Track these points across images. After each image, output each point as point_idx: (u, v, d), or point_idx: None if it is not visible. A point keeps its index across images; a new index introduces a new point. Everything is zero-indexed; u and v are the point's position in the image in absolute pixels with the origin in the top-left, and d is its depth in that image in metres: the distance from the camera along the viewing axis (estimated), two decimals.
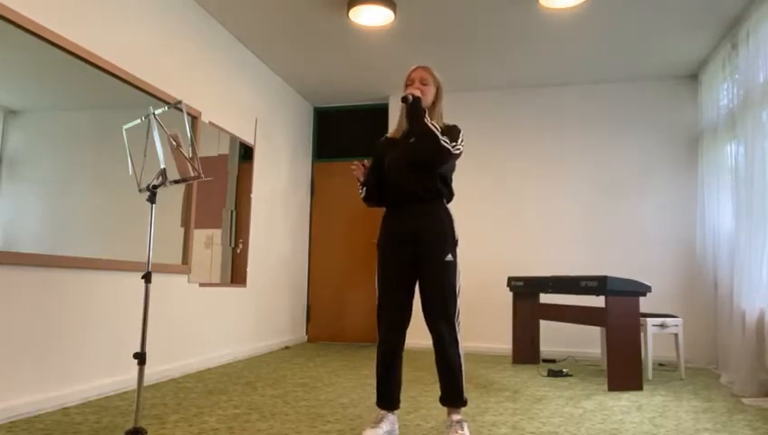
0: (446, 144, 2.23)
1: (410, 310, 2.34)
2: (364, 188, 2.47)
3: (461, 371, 2.26)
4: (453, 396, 2.26)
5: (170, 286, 3.69)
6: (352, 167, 2.45)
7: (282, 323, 5.44)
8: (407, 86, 2.41)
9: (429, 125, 2.22)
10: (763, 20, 3.57)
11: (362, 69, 5.19)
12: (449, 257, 2.28)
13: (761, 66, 3.57)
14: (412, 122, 2.28)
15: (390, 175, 2.40)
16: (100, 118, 3.11)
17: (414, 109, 2.25)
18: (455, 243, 2.32)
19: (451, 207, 2.40)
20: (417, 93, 2.26)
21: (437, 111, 2.41)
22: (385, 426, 2.26)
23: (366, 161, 2.48)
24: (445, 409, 2.33)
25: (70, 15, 2.87)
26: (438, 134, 2.22)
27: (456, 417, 2.25)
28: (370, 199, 2.49)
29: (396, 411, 2.35)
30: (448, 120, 2.44)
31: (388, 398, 2.32)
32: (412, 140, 2.34)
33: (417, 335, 3.64)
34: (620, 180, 5.27)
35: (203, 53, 4.12)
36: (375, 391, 2.36)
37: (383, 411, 2.32)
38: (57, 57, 2.80)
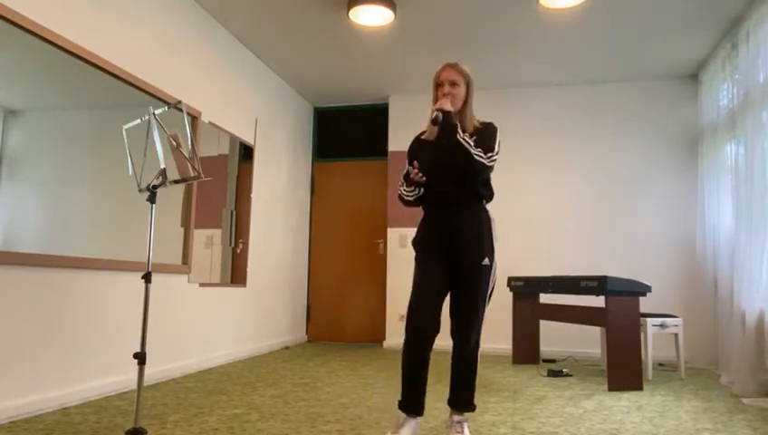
0: (480, 159, 2.12)
1: (440, 314, 2.21)
2: (421, 189, 2.30)
3: (476, 376, 2.23)
4: (464, 400, 2.21)
5: (170, 286, 3.69)
6: (413, 174, 2.22)
7: (282, 323, 5.44)
8: (436, 87, 2.27)
9: (462, 142, 2.11)
10: (763, 20, 3.56)
11: (362, 69, 5.19)
12: (486, 261, 2.19)
13: (761, 66, 3.57)
14: (445, 141, 2.16)
15: (428, 176, 2.25)
16: (100, 118, 3.11)
17: (444, 127, 2.13)
18: (492, 246, 2.23)
19: (491, 208, 2.31)
20: (447, 107, 2.13)
21: (469, 110, 2.29)
22: (406, 432, 2.15)
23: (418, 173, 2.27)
24: (447, 408, 2.29)
25: (70, 15, 2.87)
26: (472, 150, 2.11)
27: (457, 417, 2.21)
28: (411, 204, 2.37)
29: (419, 418, 2.21)
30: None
31: (414, 402, 2.19)
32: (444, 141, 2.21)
33: None
34: (620, 180, 5.27)
35: (203, 53, 4.12)
36: (399, 393, 2.23)
37: (405, 416, 2.18)
38: (57, 57, 2.80)
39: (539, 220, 5.42)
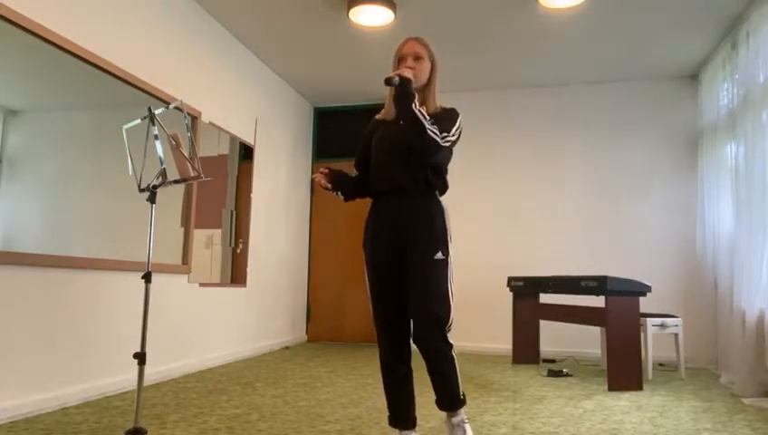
0: (434, 135, 1.92)
1: (408, 322, 2.04)
2: (339, 193, 2.21)
3: (456, 373, 1.98)
4: (450, 399, 1.99)
5: (170, 286, 3.69)
6: (316, 178, 2.17)
7: (282, 323, 5.44)
8: (399, 61, 2.10)
9: (417, 112, 1.92)
10: (763, 20, 3.56)
11: (362, 69, 5.19)
12: (439, 255, 1.97)
13: (761, 66, 3.57)
14: (398, 108, 1.97)
15: (376, 162, 2.12)
16: (100, 118, 3.11)
17: (401, 93, 1.93)
18: (446, 239, 2.02)
19: (445, 199, 2.12)
20: (407, 74, 1.94)
21: (432, 90, 2.11)
22: None
23: (326, 169, 2.19)
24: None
25: (70, 15, 2.87)
26: (426, 124, 1.92)
27: (455, 419, 2.01)
28: (353, 198, 2.27)
29: (415, 431, 2.07)
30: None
31: (403, 417, 2.05)
32: (401, 123, 2.02)
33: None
34: (620, 180, 5.27)
35: (203, 53, 4.12)
36: (386, 408, 2.10)
37: (399, 432, 2.06)
38: (57, 57, 2.80)
39: (539, 220, 5.42)
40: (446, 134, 1.97)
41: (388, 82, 1.93)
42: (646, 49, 4.63)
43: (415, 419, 2.08)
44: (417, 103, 1.95)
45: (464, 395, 2.03)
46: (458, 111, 2.09)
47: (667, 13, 4.01)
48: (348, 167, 2.39)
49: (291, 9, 4.08)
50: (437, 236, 2.01)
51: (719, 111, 4.46)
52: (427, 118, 1.94)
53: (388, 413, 2.09)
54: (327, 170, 2.18)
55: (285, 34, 4.51)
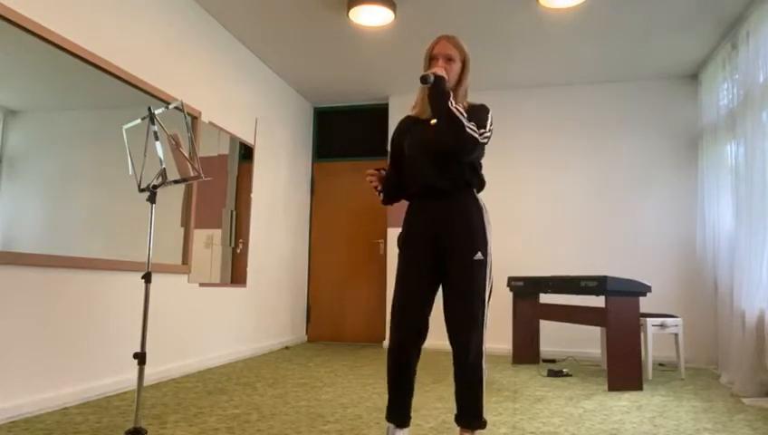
0: (472, 132, 1.91)
1: (428, 318, 2.06)
2: (382, 194, 2.21)
3: (483, 388, 1.97)
4: (471, 416, 1.98)
5: (170, 286, 3.69)
6: (368, 178, 2.19)
7: (282, 323, 5.44)
8: (430, 60, 2.08)
9: (454, 110, 1.90)
10: (763, 20, 3.56)
11: (362, 69, 5.19)
12: (479, 256, 1.96)
13: (761, 66, 3.57)
14: (434, 107, 1.95)
15: (411, 163, 2.09)
16: (100, 118, 3.11)
17: (436, 91, 1.92)
18: (485, 239, 2.00)
19: (483, 197, 2.10)
20: (441, 72, 1.93)
21: (463, 89, 2.09)
22: None
23: (382, 170, 2.22)
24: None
25: (70, 15, 2.87)
26: (465, 121, 1.90)
27: None
28: (391, 201, 2.25)
29: (407, 429, 2.08)
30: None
31: (400, 412, 2.06)
32: (434, 122, 2.01)
33: None
34: (620, 180, 5.27)
35: (203, 53, 4.12)
36: (386, 403, 2.11)
37: (393, 427, 2.06)
38: (57, 57, 2.80)
39: (539, 220, 5.42)
40: (483, 130, 1.96)
41: (423, 80, 1.92)
42: (646, 49, 4.63)
43: (410, 417, 2.08)
44: (452, 100, 1.93)
45: (485, 420, 2.01)
46: (488, 106, 2.09)
47: (667, 13, 4.01)
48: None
49: (291, 9, 4.08)
50: (477, 236, 1.99)
51: (719, 110, 4.46)
52: (464, 115, 1.93)
53: (387, 408, 2.09)
54: (377, 171, 2.19)
55: (285, 34, 4.51)
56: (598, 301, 3.68)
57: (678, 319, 4.01)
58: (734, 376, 3.56)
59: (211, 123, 4.21)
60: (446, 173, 2.01)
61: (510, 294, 4.98)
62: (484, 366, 1.98)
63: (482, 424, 2.00)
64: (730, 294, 3.91)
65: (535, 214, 5.44)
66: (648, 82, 5.30)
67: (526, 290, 4.53)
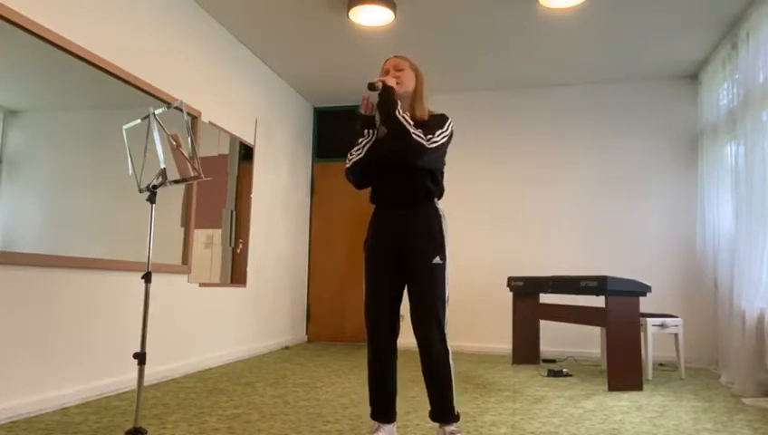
0: (418, 139, 2.00)
1: (399, 316, 2.19)
2: (369, 132, 2.18)
3: (451, 383, 2.08)
4: (443, 412, 2.09)
5: (170, 286, 3.69)
6: (383, 80, 2.13)
7: (282, 323, 5.44)
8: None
9: (400, 118, 2.01)
10: (763, 20, 3.56)
11: (362, 69, 5.18)
12: (437, 260, 2.09)
13: (761, 66, 3.57)
14: (382, 115, 2.06)
15: (375, 169, 2.21)
16: (100, 118, 3.11)
17: (384, 99, 2.04)
18: (443, 245, 2.13)
19: (442, 205, 2.22)
20: (391, 82, 2.06)
21: (419, 97, 2.18)
22: None
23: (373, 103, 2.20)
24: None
25: (70, 15, 2.87)
26: (410, 127, 2.00)
27: (448, 429, 2.08)
28: (364, 187, 2.28)
29: (394, 424, 2.19)
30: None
31: (384, 410, 2.17)
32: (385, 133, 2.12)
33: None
34: (620, 180, 5.27)
35: (203, 53, 4.12)
36: (368, 403, 2.22)
37: (378, 424, 2.16)
38: (57, 57, 2.80)
39: (539, 220, 5.42)
40: (430, 136, 2.04)
41: (371, 86, 2.04)
42: (646, 49, 4.63)
43: (395, 412, 2.19)
44: (401, 110, 2.04)
45: (458, 413, 2.12)
46: (448, 116, 2.17)
47: (667, 13, 4.01)
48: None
49: (291, 9, 4.08)
50: (436, 242, 2.12)
51: (719, 110, 4.46)
52: (411, 123, 2.03)
53: (370, 408, 2.19)
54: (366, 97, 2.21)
55: (285, 34, 4.51)
56: (598, 301, 3.68)
57: (678, 319, 4.01)
58: (734, 376, 3.56)
59: (211, 123, 4.21)
60: (405, 182, 2.13)
61: (510, 294, 4.98)
62: (450, 362, 2.09)
63: (455, 417, 2.10)
64: (730, 294, 3.91)
65: (535, 214, 5.44)
66: (648, 82, 5.30)
67: (526, 290, 4.53)
